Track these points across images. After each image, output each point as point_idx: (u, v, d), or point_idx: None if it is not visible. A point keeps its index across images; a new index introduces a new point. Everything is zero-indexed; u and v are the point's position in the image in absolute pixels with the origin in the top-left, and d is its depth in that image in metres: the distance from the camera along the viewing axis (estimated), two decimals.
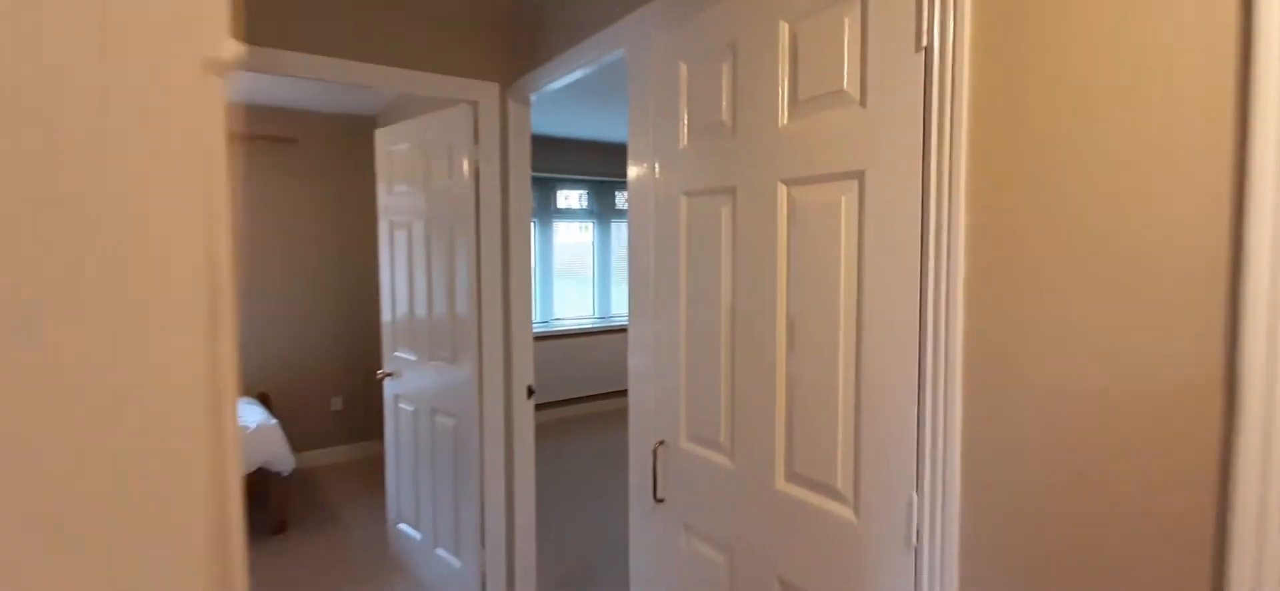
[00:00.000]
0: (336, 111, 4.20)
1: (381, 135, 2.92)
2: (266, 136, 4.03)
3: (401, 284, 2.86)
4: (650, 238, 1.59)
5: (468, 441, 2.51)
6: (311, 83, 3.64)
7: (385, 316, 2.99)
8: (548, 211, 5.69)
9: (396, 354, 2.92)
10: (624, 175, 5.78)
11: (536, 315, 5.70)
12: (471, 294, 2.44)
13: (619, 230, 6.12)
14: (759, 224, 1.29)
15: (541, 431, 5.19)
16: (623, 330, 5.86)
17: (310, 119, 4.20)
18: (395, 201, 2.86)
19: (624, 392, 5.94)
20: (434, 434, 2.71)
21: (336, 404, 4.39)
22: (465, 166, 2.42)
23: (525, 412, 2.55)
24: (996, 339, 0.94)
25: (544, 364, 5.37)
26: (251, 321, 4.08)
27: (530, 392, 2.54)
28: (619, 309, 6.17)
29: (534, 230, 5.66)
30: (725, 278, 1.38)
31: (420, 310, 2.73)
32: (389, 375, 2.95)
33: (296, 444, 4.28)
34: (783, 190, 1.24)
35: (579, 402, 5.64)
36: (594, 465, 4.45)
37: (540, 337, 5.38)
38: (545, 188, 5.65)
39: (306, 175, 4.21)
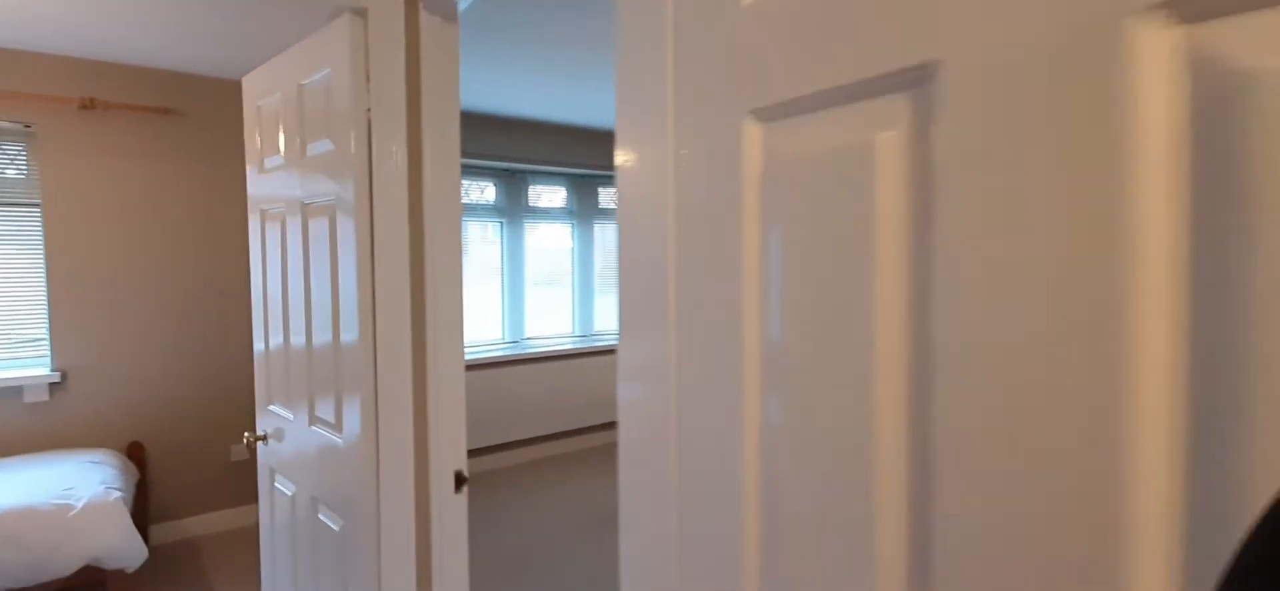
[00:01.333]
0: (228, 76, 3.23)
1: (249, 82, 1.98)
2: (137, 107, 3.06)
3: (274, 302, 1.91)
4: None
5: (358, 555, 1.56)
6: (193, 36, 2.69)
7: (257, 347, 2.04)
8: (518, 210, 4.75)
9: (271, 408, 1.96)
10: (610, 167, 4.86)
11: (505, 334, 4.76)
12: (360, 316, 1.50)
13: (605, 233, 5.19)
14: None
15: (510, 478, 4.23)
16: (610, 352, 4.93)
17: (194, 85, 3.23)
18: (267, 183, 1.91)
19: (614, 425, 5.00)
20: (315, 536, 1.76)
21: (238, 453, 3.41)
22: (348, 111, 1.48)
23: (452, 511, 1.61)
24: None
25: (515, 395, 4.42)
26: (115, 344, 3.10)
27: (460, 482, 1.60)
28: (604, 325, 5.23)
29: (501, 233, 4.72)
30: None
31: (297, 340, 1.78)
32: (261, 440, 1.99)
33: (180, 508, 3.29)
34: None
35: (557, 438, 4.69)
36: (575, 519, 3.50)
37: (509, 362, 4.43)
38: (515, 182, 4.72)
39: (191, 156, 3.24)
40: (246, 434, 1.97)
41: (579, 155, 4.68)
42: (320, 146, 1.62)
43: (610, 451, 4.97)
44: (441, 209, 1.56)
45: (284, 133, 1.79)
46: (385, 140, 1.49)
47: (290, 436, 1.85)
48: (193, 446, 3.30)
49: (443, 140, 1.56)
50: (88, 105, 2.93)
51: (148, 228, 3.14)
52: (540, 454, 4.60)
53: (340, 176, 1.54)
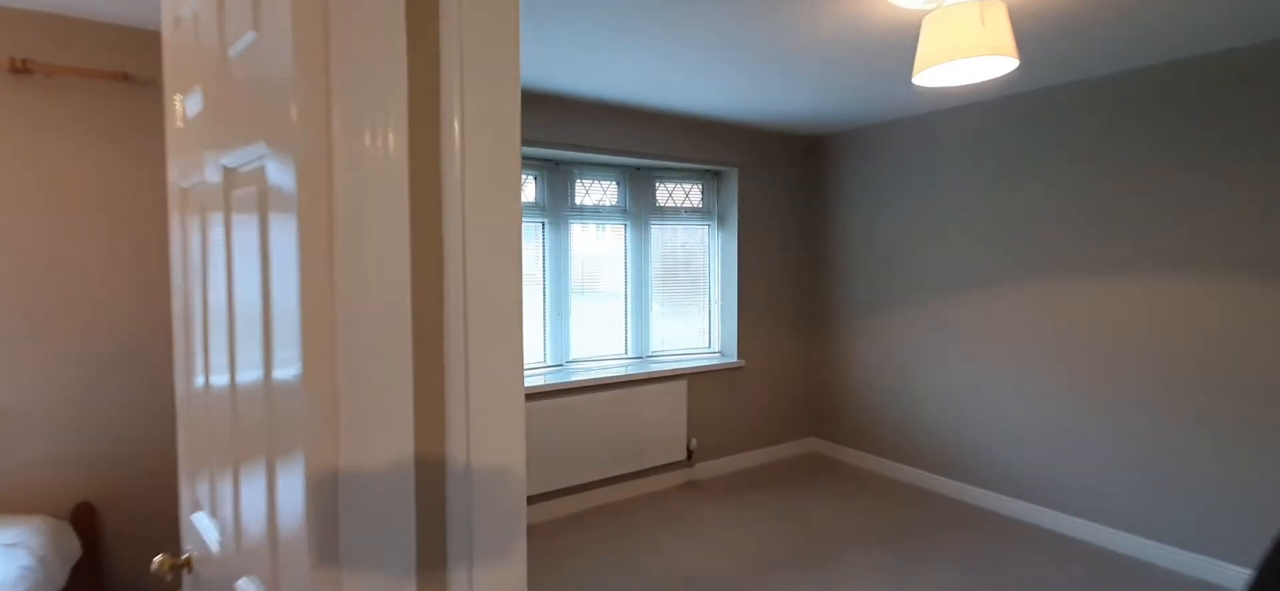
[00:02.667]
0: None
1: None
2: (86, 71, 2.37)
3: (197, 326, 1.15)
4: None
5: None
6: None
7: (179, 412, 1.28)
8: (563, 208, 3.99)
9: (194, 517, 1.20)
10: (671, 154, 4.06)
11: (547, 355, 3.99)
12: (304, 334, 0.73)
13: (663, 234, 4.40)
14: None
15: (563, 534, 3.45)
16: (670, 378, 4.12)
17: (151, 43, 2.53)
18: (187, 142, 1.16)
19: (678, 465, 4.19)
20: None
21: None
22: None
23: None
24: None
25: (563, 430, 3.64)
26: (55, 378, 2.40)
27: None
28: (662, 346, 4.43)
29: (543, 235, 3.97)
30: None
31: (219, 411, 1.02)
32: (184, 566, 1.23)
33: (145, 585, 2.58)
34: None
35: (614, 484, 3.90)
36: (655, 586, 2.69)
37: (556, 392, 3.66)
38: (558, 175, 3.96)
39: (156, 136, 2.54)
40: (157, 558, 1.21)
41: (633, 141, 3.90)
42: (244, 42, 0.85)
43: (677, 496, 4.21)
44: (483, 183, 0.78)
45: (200, 42, 1.03)
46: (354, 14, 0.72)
47: (218, 572, 1.08)
48: (161, 507, 2.59)
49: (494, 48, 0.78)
50: (19, 68, 2.25)
51: (99, 227, 2.45)
52: (595, 502, 3.82)
53: (271, 90, 0.77)
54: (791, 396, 4.76)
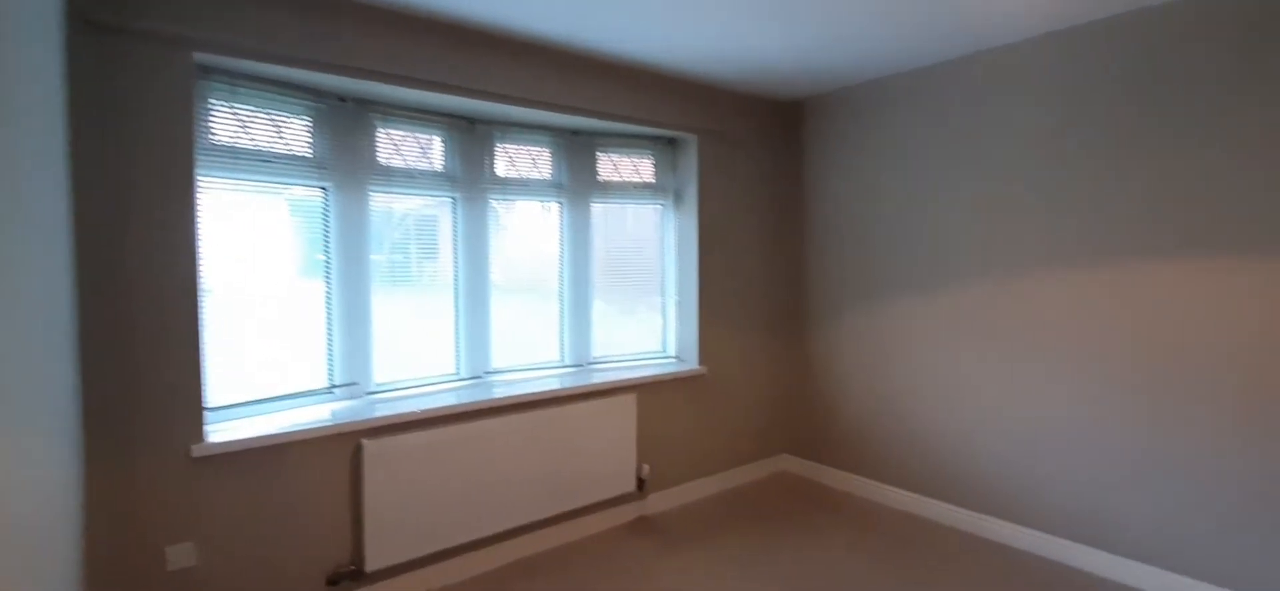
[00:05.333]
0: None
1: None
2: None
3: None
4: None
5: None
6: None
7: None
8: (480, 180, 3.15)
9: None
10: (617, 114, 3.27)
11: (460, 366, 3.14)
12: None
13: (608, 216, 3.60)
14: None
15: None
16: (616, 390, 3.32)
17: None
18: None
19: (614, 502, 3.40)
20: None
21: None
22: None
23: None
24: None
25: (466, 466, 2.80)
26: None
27: None
28: (607, 351, 3.64)
29: (455, 215, 3.13)
30: None
31: None
32: None
33: None
34: None
35: (531, 532, 3.08)
36: None
37: (470, 414, 2.81)
38: (473, 137, 3.12)
39: None
40: None
41: (569, 94, 3.10)
42: None
43: (625, 541, 3.40)
44: None
45: None
46: None
47: None
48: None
49: None
50: None
51: None
52: (521, 552, 2.99)
53: None
54: (762, 408, 4.04)
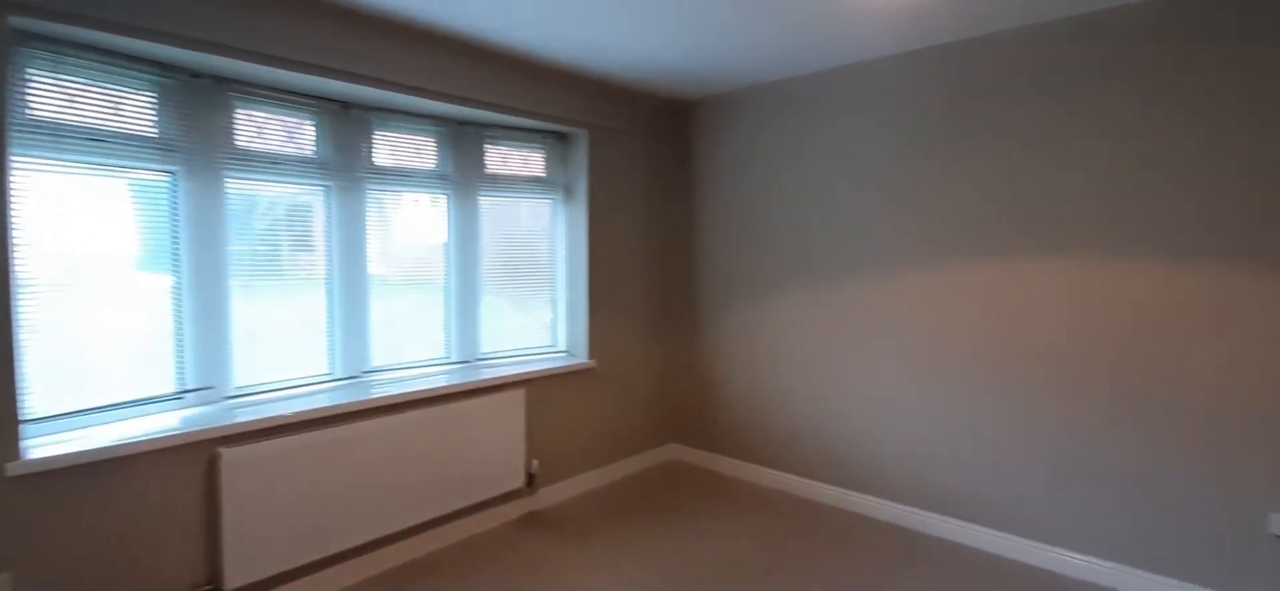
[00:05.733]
0: None
1: None
2: None
3: None
4: None
5: None
6: None
7: None
8: (357, 168, 2.98)
9: None
10: (505, 105, 3.21)
11: (334, 365, 2.96)
12: None
13: (498, 210, 3.52)
14: None
15: None
16: (504, 386, 3.27)
17: None
18: None
19: (503, 499, 3.36)
20: None
21: None
22: None
23: None
24: None
25: (346, 469, 2.65)
26: None
27: None
28: (496, 347, 3.57)
29: (329, 205, 2.95)
30: None
31: None
32: None
33: None
34: None
35: (416, 534, 2.98)
36: None
37: (334, 418, 2.65)
38: (350, 123, 2.94)
39: None
40: None
41: (455, 81, 3.00)
42: None
43: (515, 538, 3.34)
44: None
45: None
46: None
47: None
48: None
49: None
50: None
51: None
52: (406, 556, 2.87)
53: None
54: (651, 400, 4.13)
